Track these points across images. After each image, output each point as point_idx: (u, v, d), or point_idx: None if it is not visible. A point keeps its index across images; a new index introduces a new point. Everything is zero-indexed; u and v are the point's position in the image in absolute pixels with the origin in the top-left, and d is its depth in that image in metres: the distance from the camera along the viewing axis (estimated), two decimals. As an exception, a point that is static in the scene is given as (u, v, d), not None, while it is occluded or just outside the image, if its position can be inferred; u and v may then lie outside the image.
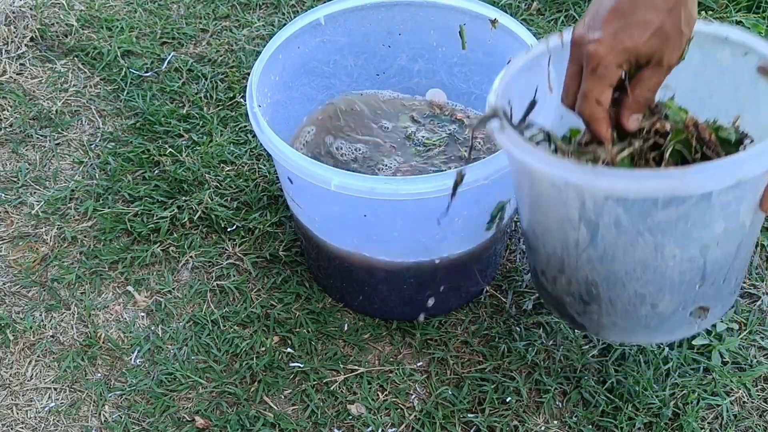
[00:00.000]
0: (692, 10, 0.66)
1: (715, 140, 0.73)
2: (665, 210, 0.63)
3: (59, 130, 1.27)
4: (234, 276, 1.07)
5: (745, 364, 0.96)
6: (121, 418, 0.93)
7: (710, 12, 1.36)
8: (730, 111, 0.79)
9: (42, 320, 1.03)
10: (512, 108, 0.76)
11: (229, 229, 1.12)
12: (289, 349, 0.99)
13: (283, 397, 0.95)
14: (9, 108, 1.30)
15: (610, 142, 0.69)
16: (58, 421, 0.94)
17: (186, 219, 1.12)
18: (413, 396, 0.95)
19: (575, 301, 0.76)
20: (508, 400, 0.93)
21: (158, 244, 1.10)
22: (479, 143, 1.06)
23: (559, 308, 0.79)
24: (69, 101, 1.32)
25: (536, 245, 0.76)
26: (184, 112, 1.28)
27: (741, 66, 0.74)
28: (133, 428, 0.93)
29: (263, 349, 0.99)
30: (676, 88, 0.81)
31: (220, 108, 1.29)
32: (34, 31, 1.42)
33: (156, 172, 1.19)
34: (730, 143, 0.74)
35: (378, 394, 0.95)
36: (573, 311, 0.77)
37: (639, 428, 0.90)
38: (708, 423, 0.91)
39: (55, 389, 0.97)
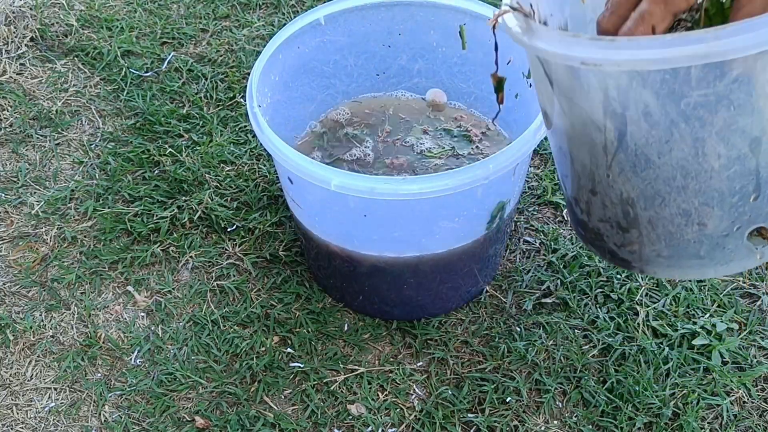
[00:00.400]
0: None
1: None
2: (701, 89, 0.54)
3: (59, 130, 1.27)
4: (234, 276, 1.07)
5: (745, 364, 0.96)
6: (121, 418, 0.93)
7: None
8: None
9: (42, 320, 1.03)
10: (535, 13, 0.68)
11: (229, 229, 1.12)
12: (289, 349, 0.99)
13: (283, 397, 0.95)
14: (9, 108, 1.30)
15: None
16: (58, 421, 0.94)
17: (186, 219, 1.12)
18: (413, 396, 0.95)
19: (612, 229, 0.66)
20: (508, 400, 0.93)
21: (158, 244, 1.10)
22: (477, 137, 1.06)
23: (598, 243, 0.69)
24: (69, 101, 1.32)
25: (565, 166, 0.68)
26: (184, 112, 1.28)
27: None
28: (133, 428, 0.93)
29: (263, 349, 0.99)
30: None
31: (220, 108, 1.29)
32: (34, 31, 1.42)
33: (156, 172, 1.19)
34: None
35: (378, 394, 0.95)
36: (612, 243, 0.67)
37: (639, 428, 0.90)
38: (708, 423, 0.91)
39: (55, 389, 0.97)
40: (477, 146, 1.02)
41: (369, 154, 1.06)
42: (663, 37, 0.52)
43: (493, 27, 0.63)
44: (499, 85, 0.72)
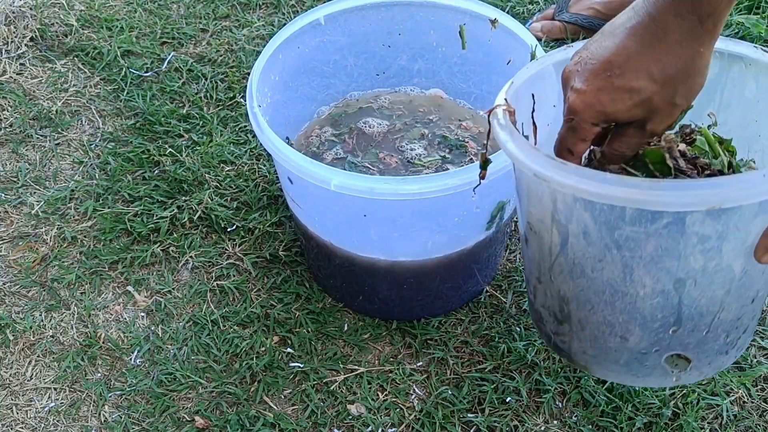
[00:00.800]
0: (696, 82, 0.59)
1: (699, 162, 0.67)
2: (633, 225, 0.58)
3: (59, 130, 1.27)
4: (234, 276, 1.07)
5: (745, 364, 0.96)
6: (121, 418, 0.93)
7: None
8: None
9: (42, 320, 1.03)
10: (535, 103, 0.72)
11: (229, 229, 1.12)
12: (289, 349, 0.99)
13: (283, 397, 0.95)
14: (9, 108, 1.30)
15: None
16: (58, 421, 0.94)
17: (186, 219, 1.12)
18: (413, 396, 0.95)
19: (550, 317, 0.72)
20: (508, 400, 0.93)
21: (158, 244, 1.10)
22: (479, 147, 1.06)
23: (539, 325, 0.75)
24: (69, 101, 1.32)
25: (524, 247, 0.73)
26: (184, 112, 1.28)
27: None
28: (133, 428, 0.93)
29: (263, 349, 0.99)
30: (726, 122, 0.75)
31: (220, 108, 1.29)
32: (34, 31, 1.42)
33: (156, 172, 1.19)
34: None
35: (378, 394, 0.95)
36: (549, 329, 0.73)
37: (639, 428, 0.90)
38: (708, 423, 0.91)
39: (55, 389, 0.97)
40: (472, 159, 1.02)
41: (374, 136, 1.06)
42: (605, 174, 0.56)
43: (489, 115, 0.68)
44: (484, 164, 0.75)
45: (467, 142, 1.03)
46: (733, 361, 0.71)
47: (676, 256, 0.59)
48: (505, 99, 0.68)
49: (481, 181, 0.77)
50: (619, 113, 0.60)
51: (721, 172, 0.68)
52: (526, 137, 0.72)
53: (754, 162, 0.72)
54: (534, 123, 0.72)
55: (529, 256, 0.72)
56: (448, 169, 1.01)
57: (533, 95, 0.71)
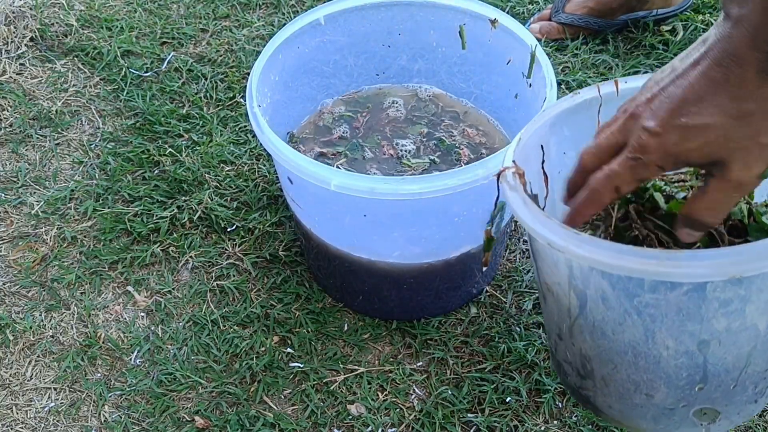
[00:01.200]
0: None
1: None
2: (653, 293, 0.57)
3: (59, 130, 1.27)
4: (234, 276, 1.07)
5: (745, 364, 0.96)
6: (121, 418, 0.93)
7: (711, 12, 1.36)
8: None
9: (42, 320, 1.03)
10: (545, 153, 0.71)
11: (229, 229, 1.12)
12: (289, 349, 0.99)
13: (283, 397, 0.95)
14: (9, 108, 1.30)
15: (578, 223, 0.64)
16: (58, 421, 0.94)
17: (186, 219, 1.12)
18: (413, 396, 0.95)
19: (573, 371, 0.71)
20: (507, 400, 0.93)
21: (158, 244, 1.10)
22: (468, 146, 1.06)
23: (563, 377, 0.74)
24: (69, 101, 1.32)
25: (542, 303, 0.72)
26: (184, 112, 1.28)
27: None
28: (133, 428, 0.93)
29: (263, 349, 0.99)
30: None
31: (220, 108, 1.29)
32: (34, 31, 1.42)
33: (156, 172, 1.19)
34: (765, 231, 0.65)
35: (378, 394, 0.95)
36: (573, 382, 0.72)
37: (639, 428, 0.90)
38: (708, 423, 0.91)
39: (55, 389, 0.97)
40: (461, 166, 1.02)
41: (384, 120, 1.07)
42: (621, 246, 0.55)
43: (498, 178, 0.67)
44: (488, 244, 0.74)
45: (462, 148, 1.03)
46: (762, 407, 0.70)
47: (698, 320, 0.58)
48: (513, 161, 0.66)
49: (484, 268, 0.75)
50: (691, 152, 0.54)
51: (741, 221, 0.66)
52: (536, 195, 0.71)
53: None
54: (545, 173, 0.71)
55: (548, 312, 0.71)
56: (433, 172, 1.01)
57: (542, 146, 0.70)
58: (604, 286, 0.59)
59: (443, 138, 1.04)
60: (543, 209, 0.67)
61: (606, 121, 0.60)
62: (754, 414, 0.69)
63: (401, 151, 1.03)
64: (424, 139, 1.05)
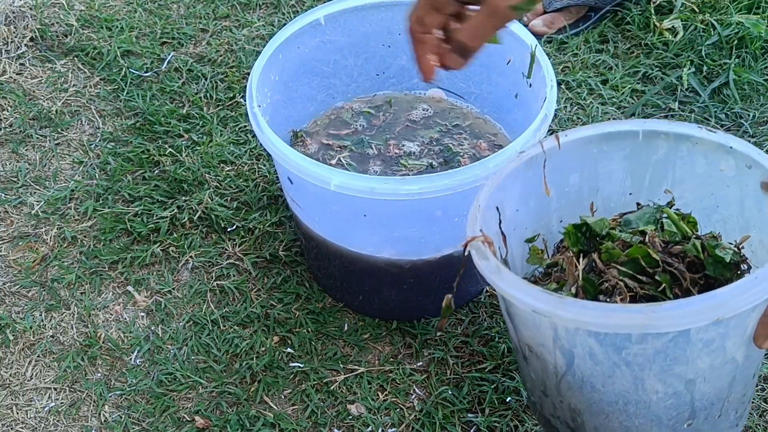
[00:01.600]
0: None
1: (674, 250, 0.70)
2: (640, 344, 0.60)
3: (59, 130, 1.27)
4: (234, 276, 1.07)
5: (745, 364, 0.96)
6: (121, 418, 0.93)
7: (711, 12, 1.36)
8: (738, 226, 0.75)
9: (42, 320, 1.03)
10: (501, 214, 0.74)
11: (229, 229, 1.12)
12: (289, 349, 0.99)
13: (283, 397, 0.95)
14: (9, 108, 1.30)
15: (430, 77, 0.69)
16: (58, 421, 0.94)
17: (186, 219, 1.12)
18: (413, 396, 0.95)
19: (563, 425, 0.73)
20: (508, 400, 0.93)
21: (158, 244, 1.10)
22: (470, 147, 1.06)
23: (551, 429, 0.76)
24: (69, 101, 1.32)
25: (521, 362, 0.74)
26: (184, 112, 1.28)
27: (746, 179, 0.71)
28: (133, 428, 0.93)
29: (263, 349, 0.99)
30: (682, 196, 0.79)
31: (220, 108, 1.29)
32: (34, 31, 1.42)
33: (156, 172, 1.19)
34: (724, 264, 0.70)
35: (378, 394, 0.95)
36: None
37: (639, 428, 0.91)
38: (708, 423, 0.91)
39: (55, 389, 0.97)
40: None
41: (401, 120, 1.07)
42: (607, 305, 0.58)
43: (464, 248, 0.69)
44: (446, 311, 0.77)
45: (465, 158, 1.03)
46: (742, 428, 0.74)
47: (684, 362, 0.61)
48: (480, 229, 0.68)
49: (438, 333, 0.79)
50: None
51: (697, 257, 0.70)
52: (505, 260, 0.74)
53: (720, 235, 0.75)
54: (503, 233, 0.75)
55: (530, 371, 0.72)
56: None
57: (497, 207, 0.73)
58: (592, 343, 0.61)
59: (451, 146, 1.04)
60: None
61: None
62: None
63: (404, 151, 1.03)
64: (431, 144, 1.05)
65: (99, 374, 0.98)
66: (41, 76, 1.36)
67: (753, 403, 0.93)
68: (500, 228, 0.74)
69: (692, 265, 0.70)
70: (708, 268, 0.70)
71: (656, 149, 0.79)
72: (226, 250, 1.10)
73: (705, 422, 0.66)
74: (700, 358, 0.61)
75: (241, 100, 1.30)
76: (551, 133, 0.91)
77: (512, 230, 0.76)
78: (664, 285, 0.68)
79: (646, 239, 0.71)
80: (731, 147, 0.73)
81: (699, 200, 0.78)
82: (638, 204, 0.79)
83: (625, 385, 0.63)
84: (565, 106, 1.27)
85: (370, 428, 0.92)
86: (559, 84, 1.28)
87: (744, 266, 0.72)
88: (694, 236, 0.72)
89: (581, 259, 0.72)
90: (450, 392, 0.95)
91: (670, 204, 0.78)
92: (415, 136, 1.06)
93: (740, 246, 0.73)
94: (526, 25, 1.36)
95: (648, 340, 0.59)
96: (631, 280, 0.69)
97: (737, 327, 0.61)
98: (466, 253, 0.68)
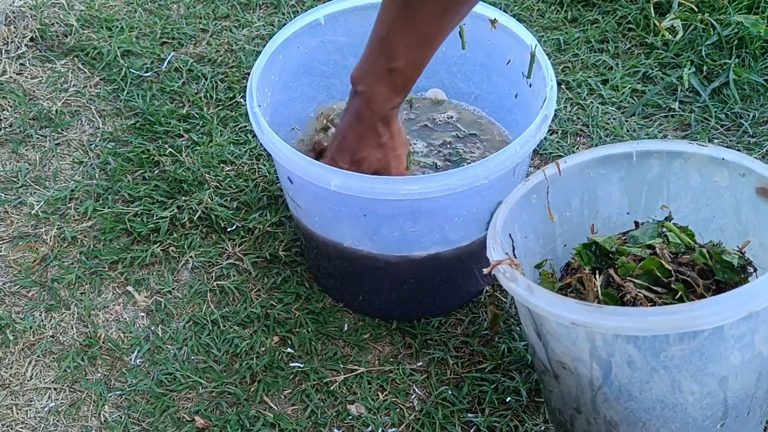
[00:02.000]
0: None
1: (683, 260, 0.73)
2: (678, 345, 0.62)
3: (59, 130, 1.27)
4: (234, 276, 1.07)
5: (745, 364, 0.96)
6: (121, 418, 0.93)
7: (711, 12, 1.36)
8: (735, 233, 0.79)
9: (42, 320, 1.03)
10: (514, 241, 0.78)
11: (229, 229, 1.12)
12: (289, 349, 0.99)
13: (283, 397, 0.95)
14: (9, 108, 1.30)
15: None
16: (58, 421, 0.94)
17: (186, 219, 1.12)
18: (413, 396, 0.95)
19: None
20: (507, 400, 0.93)
21: (158, 244, 1.10)
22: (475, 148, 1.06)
23: None
24: (69, 101, 1.32)
25: (550, 382, 0.75)
26: (184, 112, 1.28)
27: (741, 187, 0.74)
28: (133, 428, 0.93)
29: (263, 349, 0.99)
30: (678, 210, 0.83)
31: (220, 108, 1.29)
32: (34, 31, 1.42)
33: (156, 172, 1.19)
34: (732, 268, 0.73)
35: (378, 394, 0.95)
36: None
37: (639, 428, 0.90)
38: (708, 423, 0.91)
39: (55, 389, 0.97)
40: None
41: (424, 116, 1.09)
42: (644, 309, 0.61)
43: (490, 273, 0.72)
44: (494, 320, 0.85)
45: (465, 157, 1.04)
46: (764, 427, 0.77)
47: (718, 360, 0.63)
48: (506, 253, 0.72)
49: (495, 337, 0.86)
50: (366, 170, 0.89)
51: (706, 264, 0.74)
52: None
53: (720, 242, 0.78)
54: (516, 258, 0.78)
55: (562, 390, 0.74)
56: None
57: (510, 234, 0.77)
58: (630, 350, 0.63)
59: (461, 151, 1.04)
60: None
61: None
62: None
63: (411, 149, 1.03)
64: (442, 146, 1.05)
65: (99, 374, 0.98)
66: (41, 76, 1.36)
67: (753, 403, 0.93)
68: (514, 254, 0.77)
69: (701, 272, 0.73)
70: (717, 273, 0.73)
71: (650, 168, 0.83)
72: (226, 250, 1.10)
73: (736, 421, 0.69)
74: (733, 354, 0.63)
75: (241, 100, 1.30)
76: (551, 134, 0.92)
77: (523, 256, 0.79)
78: (680, 293, 0.70)
79: (657, 251, 0.74)
80: (723, 158, 0.77)
81: (695, 212, 0.82)
82: (636, 222, 0.83)
83: (662, 389, 0.65)
84: (565, 106, 1.27)
85: (370, 428, 0.92)
86: (559, 84, 1.28)
87: (750, 269, 0.75)
88: (698, 246, 0.75)
89: (597, 276, 0.74)
90: (450, 392, 0.95)
91: (668, 218, 0.81)
92: (429, 135, 1.06)
93: (743, 250, 0.75)
94: None
95: (686, 339, 0.61)
96: (648, 292, 0.71)
97: (764, 321, 0.63)
98: (491, 276, 0.70)
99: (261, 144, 0.91)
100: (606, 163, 0.83)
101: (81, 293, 1.06)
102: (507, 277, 0.68)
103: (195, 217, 1.13)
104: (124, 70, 1.35)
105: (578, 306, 0.62)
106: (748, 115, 1.24)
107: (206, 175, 1.18)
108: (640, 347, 0.63)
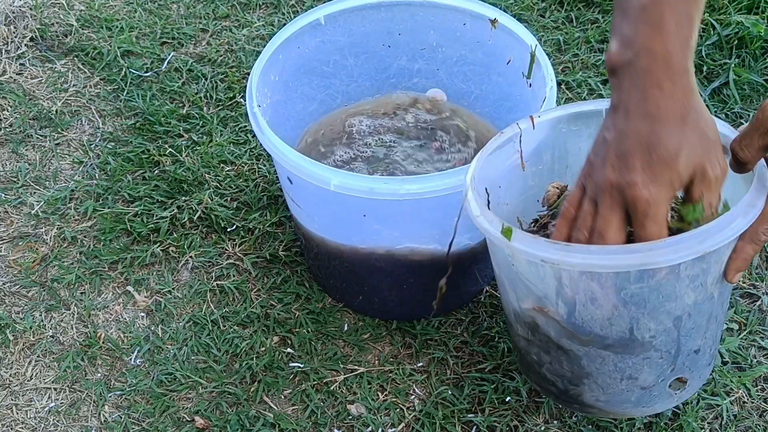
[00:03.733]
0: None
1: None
2: (637, 283, 0.66)
3: (59, 130, 1.27)
4: (234, 276, 1.07)
5: (745, 364, 0.96)
6: (121, 418, 0.93)
7: (710, 12, 1.36)
8: None
9: (42, 320, 1.03)
10: (489, 195, 0.80)
11: (229, 229, 1.12)
12: (289, 349, 0.99)
13: (283, 397, 0.95)
14: (9, 108, 1.31)
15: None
16: (58, 421, 0.94)
17: (186, 219, 1.12)
18: (413, 396, 0.95)
19: (559, 378, 0.78)
20: (507, 400, 0.93)
21: (158, 244, 1.10)
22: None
23: (545, 386, 0.81)
24: (69, 101, 1.32)
25: (519, 318, 0.79)
26: (184, 112, 1.28)
27: None
28: (133, 428, 0.93)
29: (263, 349, 0.99)
30: None
31: (220, 108, 1.29)
32: (34, 31, 1.42)
33: (156, 172, 1.19)
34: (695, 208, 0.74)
35: (378, 394, 0.95)
36: (558, 387, 0.79)
37: (639, 428, 0.90)
38: (708, 423, 0.91)
39: (55, 389, 0.97)
40: None
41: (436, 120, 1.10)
42: (608, 247, 0.63)
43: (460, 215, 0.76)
44: (441, 295, 0.84)
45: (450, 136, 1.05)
46: (712, 368, 0.82)
47: (674, 299, 0.67)
48: (471, 189, 0.75)
49: (435, 307, 0.87)
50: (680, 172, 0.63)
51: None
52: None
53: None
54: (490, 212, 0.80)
55: (530, 330, 0.77)
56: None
57: (486, 188, 0.79)
58: (594, 288, 0.67)
59: (460, 150, 1.06)
60: None
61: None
62: (707, 377, 0.81)
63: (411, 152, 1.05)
64: (442, 146, 1.06)
65: (99, 374, 0.98)
66: (41, 76, 1.36)
67: (753, 402, 0.93)
68: (488, 207, 0.79)
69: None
70: (672, 225, 0.75)
71: None
72: (226, 250, 1.10)
73: (687, 358, 0.74)
74: (687, 294, 0.68)
75: (241, 100, 1.30)
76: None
77: (496, 206, 0.82)
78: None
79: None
80: None
81: None
82: None
83: (622, 327, 0.69)
84: (565, 106, 1.27)
85: (370, 428, 0.92)
86: (559, 84, 1.28)
87: None
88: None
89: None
90: (450, 392, 0.95)
91: None
92: (427, 137, 1.07)
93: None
94: None
95: (644, 278, 0.65)
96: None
97: (716, 263, 0.68)
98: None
99: (261, 144, 0.91)
100: (577, 120, 0.85)
101: (81, 293, 1.06)
102: (484, 220, 0.71)
103: (195, 217, 1.13)
104: (124, 70, 1.35)
105: (547, 244, 0.65)
106: (748, 115, 1.24)
107: (206, 175, 1.18)
108: (603, 285, 0.66)
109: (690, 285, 0.67)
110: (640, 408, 0.78)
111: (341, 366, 0.98)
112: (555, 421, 0.92)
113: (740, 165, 0.68)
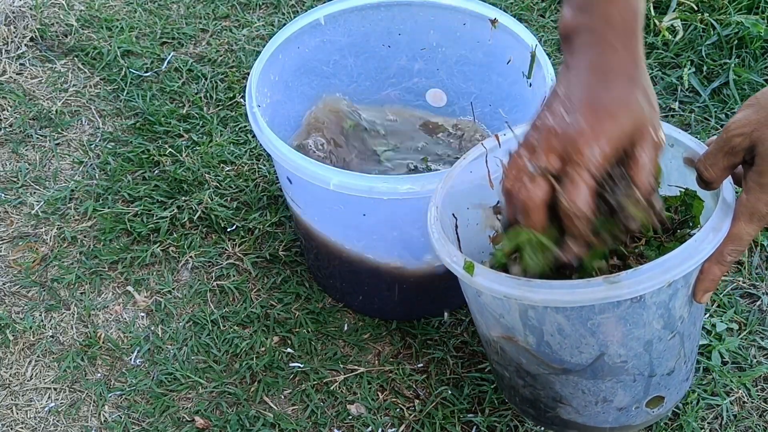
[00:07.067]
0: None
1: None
2: (603, 314, 0.65)
3: (59, 130, 1.27)
4: (234, 276, 1.07)
5: (745, 364, 0.96)
6: (121, 418, 0.93)
7: (710, 12, 1.36)
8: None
9: (42, 320, 1.03)
10: (457, 219, 0.80)
11: (228, 229, 1.12)
12: (289, 349, 0.99)
13: (283, 397, 0.95)
14: (9, 108, 1.31)
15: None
16: (58, 421, 0.94)
17: (186, 219, 1.12)
18: (413, 396, 0.95)
19: (537, 401, 0.78)
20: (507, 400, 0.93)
21: (158, 244, 1.10)
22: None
23: (523, 408, 0.81)
24: (69, 101, 1.32)
25: (490, 351, 0.79)
26: (184, 112, 1.28)
27: (669, 156, 0.76)
28: (133, 428, 0.93)
29: (263, 349, 0.99)
30: None
31: (220, 108, 1.29)
32: (34, 31, 1.42)
33: (156, 172, 1.19)
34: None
35: (378, 394, 0.95)
36: (538, 407, 0.79)
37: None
38: (708, 423, 0.91)
39: (55, 389, 0.97)
40: None
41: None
42: (570, 282, 0.63)
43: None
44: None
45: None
46: (691, 383, 0.82)
47: (642, 325, 0.67)
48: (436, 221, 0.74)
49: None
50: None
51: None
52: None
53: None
54: (458, 238, 0.80)
55: (505, 359, 0.77)
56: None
57: (453, 214, 0.79)
58: (560, 319, 0.67)
59: (459, 150, 1.06)
60: None
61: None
62: (686, 390, 0.81)
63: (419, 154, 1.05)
64: (440, 144, 1.06)
65: (99, 374, 0.98)
66: (41, 76, 1.36)
67: (753, 402, 0.93)
68: (456, 232, 0.80)
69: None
70: (646, 232, 0.74)
71: None
72: (226, 250, 1.10)
73: (662, 379, 0.74)
74: (655, 320, 0.67)
75: (241, 100, 1.30)
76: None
77: (465, 228, 0.82)
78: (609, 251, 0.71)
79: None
80: None
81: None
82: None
83: (591, 354, 0.69)
84: (565, 106, 1.27)
85: (370, 428, 0.92)
86: (559, 84, 1.28)
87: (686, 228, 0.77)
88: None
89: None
90: (450, 392, 0.95)
91: None
92: (426, 137, 1.07)
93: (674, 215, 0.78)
94: None
95: (609, 309, 0.65)
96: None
97: (684, 287, 0.67)
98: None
99: (261, 144, 0.91)
100: None
101: (81, 293, 1.06)
102: (449, 260, 0.70)
103: (195, 217, 1.13)
104: (124, 70, 1.35)
105: (510, 280, 0.64)
106: (748, 115, 1.24)
107: (206, 175, 1.18)
108: (568, 317, 0.66)
109: (657, 311, 0.66)
110: (619, 427, 0.78)
111: (341, 366, 0.98)
112: (555, 421, 0.92)
113: (706, 184, 0.68)
